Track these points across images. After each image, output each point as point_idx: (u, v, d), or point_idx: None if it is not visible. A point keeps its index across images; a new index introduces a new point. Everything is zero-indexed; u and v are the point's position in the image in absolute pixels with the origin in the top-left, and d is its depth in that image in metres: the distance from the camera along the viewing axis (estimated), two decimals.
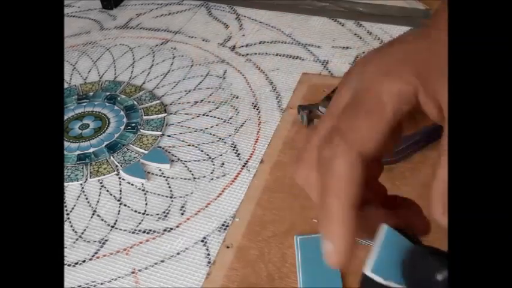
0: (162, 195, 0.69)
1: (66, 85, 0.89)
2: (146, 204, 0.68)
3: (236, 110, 0.81)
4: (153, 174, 0.72)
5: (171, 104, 0.83)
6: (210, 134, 0.77)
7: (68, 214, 0.68)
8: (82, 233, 0.65)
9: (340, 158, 0.25)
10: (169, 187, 0.70)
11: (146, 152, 0.75)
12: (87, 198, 0.70)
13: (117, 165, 0.73)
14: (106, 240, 0.64)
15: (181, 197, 0.69)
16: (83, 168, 0.74)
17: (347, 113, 0.26)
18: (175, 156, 0.74)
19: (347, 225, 0.24)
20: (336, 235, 0.24)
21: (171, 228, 0.65)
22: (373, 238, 0.26)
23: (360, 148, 0.25)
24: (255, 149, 0.74)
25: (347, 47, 0.90)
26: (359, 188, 0.24)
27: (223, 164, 0.72)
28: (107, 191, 0.70)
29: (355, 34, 0.93)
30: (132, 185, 0.71)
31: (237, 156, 0.73)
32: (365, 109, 0.25)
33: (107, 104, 0.84)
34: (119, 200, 0.69)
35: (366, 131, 0.25)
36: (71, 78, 0.90)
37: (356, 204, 0.24)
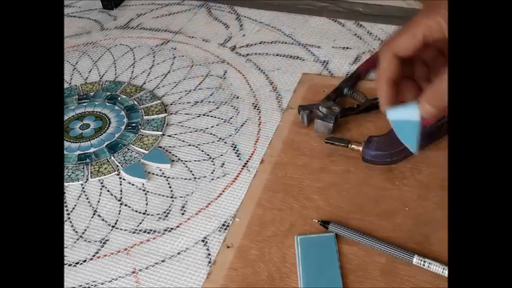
0: (163, 195, 0.69)
1: (66, 85, 0.89)
2: (147, 204, 0.68)
3: (236, 110, 0.81)
4: (153, 174, 0.72)
5: (171, 104, 0.83)
6: (211, 134, 0.77)
7: (68, 214, 0.68)
8: (83, 233, 0.66)
9: (382, 55, 0.45)
10: (170, 187, 0.70)
11: (147, 152, 0.75)
12: (87, 198, 0.70)
13: (117, 165, 0.73)
14: (107, 240, 0.64)
15: (181, 197, 0.69)
16: (83, 168, 0.74)
17: (396, 33, 0.44)
18: (176, 156, 0.74)
19: (385, 90, 0.45)
20: (381, 95, 0.46)
21: (172, 228, 0.65)
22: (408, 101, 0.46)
23: (394, 50, 0.43)
24: (255, 149, 0.74)
25: (347, 47, 0.90)
26: (394, 72, 0.44)
27: (223, 164, 0.72)
28: (108, 191, 0.71)
29: (355, 34, 0.93)
30: (133, 185, 0.71)
31: (237, 156, 0.73)
32: (405, 30, 0.42)
33: (108, 104, 0.84)
34: (119, 200, 0.69)
35: (401, 40, 0.43)
36: (71, 78, 0.90)
37: (391, 81, 0.45)
